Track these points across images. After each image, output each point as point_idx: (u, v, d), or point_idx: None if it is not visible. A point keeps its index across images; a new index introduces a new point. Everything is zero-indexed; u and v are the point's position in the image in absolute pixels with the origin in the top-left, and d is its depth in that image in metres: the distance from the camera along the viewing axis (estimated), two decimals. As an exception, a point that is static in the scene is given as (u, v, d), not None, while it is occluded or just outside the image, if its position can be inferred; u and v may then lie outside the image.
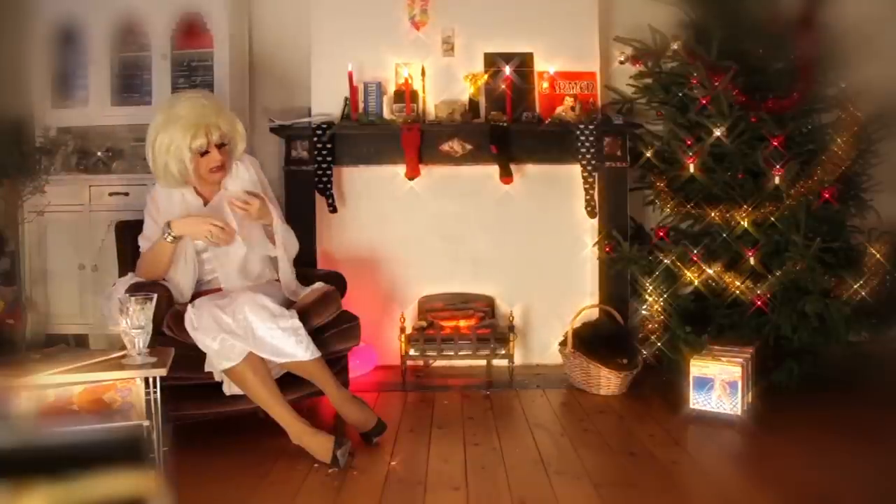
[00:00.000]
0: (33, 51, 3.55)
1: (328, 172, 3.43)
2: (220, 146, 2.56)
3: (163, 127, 2.52)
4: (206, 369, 2.37)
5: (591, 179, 3.46)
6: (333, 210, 3.46)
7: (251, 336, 2.29)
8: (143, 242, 2.63)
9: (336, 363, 2.71)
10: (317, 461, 2.26)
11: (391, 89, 3.55)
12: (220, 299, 2.38)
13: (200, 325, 2.31)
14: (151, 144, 2.54)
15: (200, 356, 2.35)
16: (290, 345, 2.33)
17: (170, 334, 2.39)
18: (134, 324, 1.99)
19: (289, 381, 2.45)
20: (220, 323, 2.29)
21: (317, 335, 2.49)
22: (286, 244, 2.67)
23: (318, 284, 2.73)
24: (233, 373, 2.32)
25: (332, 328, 2.67)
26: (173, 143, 2.49)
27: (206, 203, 2.65)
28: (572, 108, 3.45)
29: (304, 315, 2.47)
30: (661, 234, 3.31)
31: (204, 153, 2.53)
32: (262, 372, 2.34)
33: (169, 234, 2.46)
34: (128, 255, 2.80)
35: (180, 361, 2.16)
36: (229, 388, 2.40)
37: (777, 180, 3.05)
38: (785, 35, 3.26)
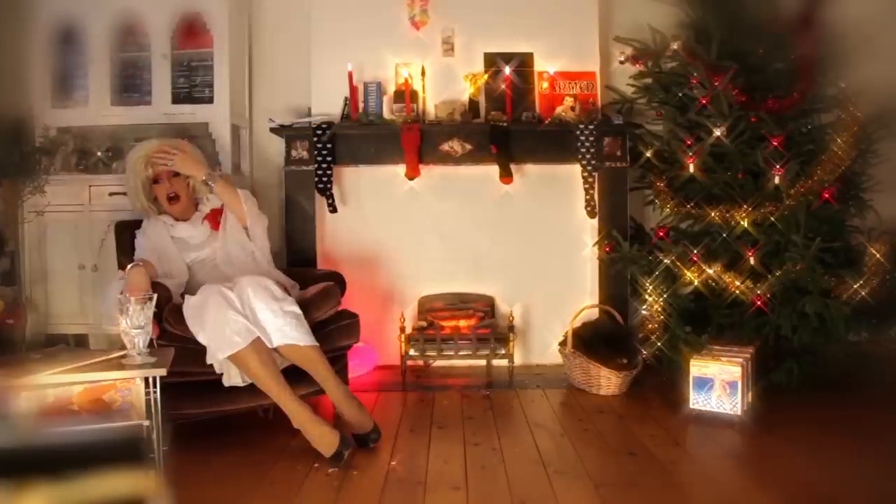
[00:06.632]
0: (33, 50, 3.55)
1: (328, 172, 3.44)
2: (174, 175, 2.81)
3: (128, 168, 2.87)
4: (208, 361, 2.36)
5: (591, 179, 3.46)
6: (333, 210, 3.46)
7: (253, 317, 2.35)
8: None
9: (336, 361, 2.71)
10: (316, 458, 2.26)
11: (391, 89, 3.55)
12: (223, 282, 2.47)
13: (205, 314, 2.33)
14: (126, 184, 2.89)
15: (200, 349, 2.35)
16: (291, 327, 2.38)
17: (169, 329, 2.40)
18: (134, 323, 1.99)
19: (290, 380, 2.44)
20: (227, 300, 2.34)
21: (317, 330, 2.51)
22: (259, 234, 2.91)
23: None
24: (237, 357, 2.32)
25: (332, 324, 2.71)
26: (133, 178, 2.83)
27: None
28: (572, 108, 3.45)
29: (305, 307, 2.50)
30: (661, 234, 3.31)
31: (155, 182, 2.81)
32: (266, 357, 2.35)
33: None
34: (127, 255, 2.81)
35: (179, 357, 2.16)
36: (228, 379, 2.40)
37: (777, 180, 3.06)
38: (785, 35, 3.26)
